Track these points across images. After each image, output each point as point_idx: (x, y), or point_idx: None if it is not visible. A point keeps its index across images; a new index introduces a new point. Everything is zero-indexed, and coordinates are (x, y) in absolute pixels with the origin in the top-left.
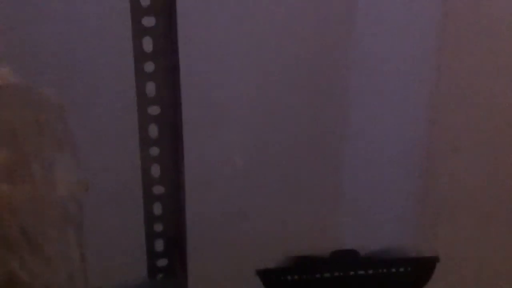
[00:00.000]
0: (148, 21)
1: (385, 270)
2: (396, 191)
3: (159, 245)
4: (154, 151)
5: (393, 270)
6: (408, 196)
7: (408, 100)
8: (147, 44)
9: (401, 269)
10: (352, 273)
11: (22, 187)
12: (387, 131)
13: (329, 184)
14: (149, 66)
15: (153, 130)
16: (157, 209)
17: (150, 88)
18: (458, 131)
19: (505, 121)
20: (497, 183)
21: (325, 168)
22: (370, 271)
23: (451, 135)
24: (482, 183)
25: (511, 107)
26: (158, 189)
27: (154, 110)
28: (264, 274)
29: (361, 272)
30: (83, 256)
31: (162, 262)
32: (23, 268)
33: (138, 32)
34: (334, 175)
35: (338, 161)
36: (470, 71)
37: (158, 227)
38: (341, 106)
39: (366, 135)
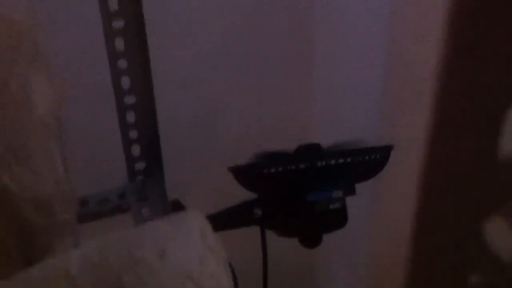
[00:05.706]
0: None
1: (345, 160)
2: (360, 87)
3: (136, 150)
4: (123, 64)
5: (352, 159)
6: (371, 91)
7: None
8: None
9: (359, 158)
10: (315, 164)
11: (6, 109)
12: (352, 34)
13: (300, 84)
14: None
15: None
16: (130, 117)
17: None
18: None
19: None
20: None
21: (296, 66)
22: (332, 162)
23: (411, 27)
24: None
25: None
26: (130, 99)
27: (118, 23)
28: (235, 170)
29: (323, 163)
30: (66, 166)
31: (140, 166)
32: (13, 180)
33: None
34: (305, 74)
35: (309, 63)
36: None
37: (133, 134)
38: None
39: (335, 38)
